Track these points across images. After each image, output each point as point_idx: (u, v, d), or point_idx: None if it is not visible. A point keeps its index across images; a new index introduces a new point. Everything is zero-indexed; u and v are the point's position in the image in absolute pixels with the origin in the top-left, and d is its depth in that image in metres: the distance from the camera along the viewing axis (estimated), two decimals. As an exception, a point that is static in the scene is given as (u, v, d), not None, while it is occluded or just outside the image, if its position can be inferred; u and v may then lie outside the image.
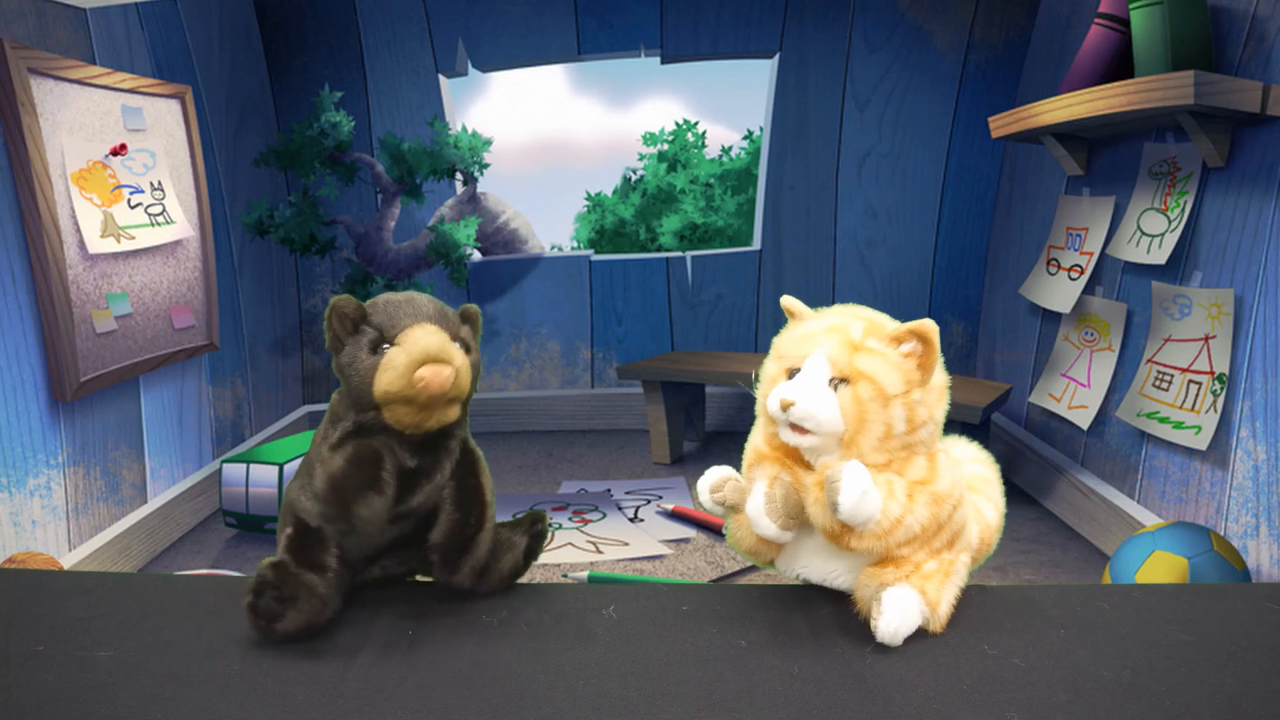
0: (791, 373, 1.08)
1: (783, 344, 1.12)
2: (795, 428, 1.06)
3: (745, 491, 1.12)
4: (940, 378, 1.09)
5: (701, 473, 1.15)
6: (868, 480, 1.01)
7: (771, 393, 1.07)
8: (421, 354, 1.06)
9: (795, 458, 1.10)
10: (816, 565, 1.14)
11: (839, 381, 1.05)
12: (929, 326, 1.05)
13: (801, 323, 1.13)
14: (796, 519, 1.08)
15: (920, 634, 1.05)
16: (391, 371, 1.06)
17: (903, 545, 1.06)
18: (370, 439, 1.10)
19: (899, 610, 1.04)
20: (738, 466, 1.17)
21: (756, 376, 1.15)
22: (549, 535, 1.19)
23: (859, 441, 1.04)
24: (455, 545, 1.15)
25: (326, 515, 1.07)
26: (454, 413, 1.11)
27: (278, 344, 4.25)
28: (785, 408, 1.04)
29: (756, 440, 1.15)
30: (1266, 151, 2.26)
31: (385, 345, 1.09)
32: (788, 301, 1.16)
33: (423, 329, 1.09)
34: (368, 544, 1.16)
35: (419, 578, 1.25)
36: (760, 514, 1.08)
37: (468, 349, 1.15)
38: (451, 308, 1.18)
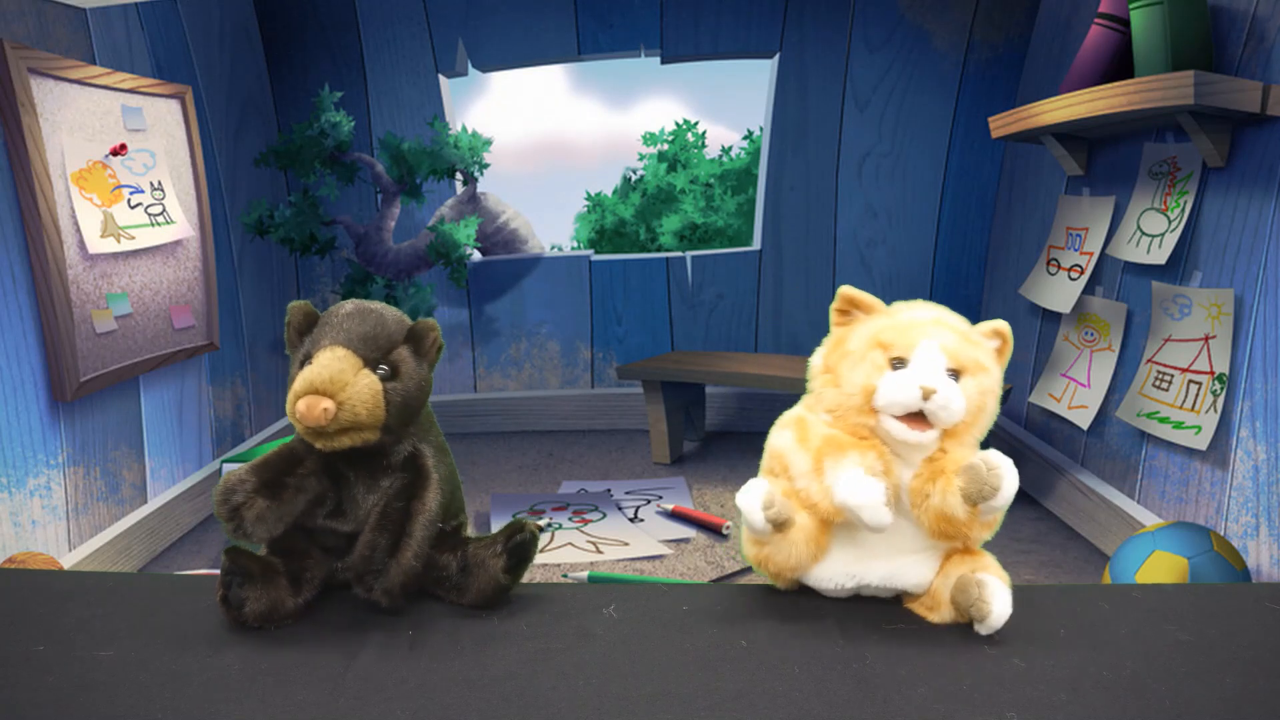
0: (894, 362, 1.05)
1: (884, 331, 1.07)
2: (915, 422, 1.03)
3: (793, 506, 1.08)
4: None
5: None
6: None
7: (902, 380, 1.03)
8: (305, 385, 1.04)
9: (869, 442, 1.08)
10: (876, 568, 1.09)
11: (953, 372, 1.05)
12: (1007, 326, 1.10)
13: (880, 315, 1.11)
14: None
15: (920, 634, 1.05)
16: (290, 395, 1.07)
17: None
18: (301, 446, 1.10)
19: (1005, 598, 1.04)
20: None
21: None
22: (538, 542, 1.18)
23: (971, 433, 1.06)
24: (364, 567, 1.09)
25: (218, 514, 1.07)
26: (345, 441, 1.07)
27: (278, 344, 4.25)
28: (927, 395, 1.01)
29: (823, 429, 1.08)
30: (1266, 151, 2.26)
31: (308, 362, 1.08)
32: (851, 291, 1.12)
33: (329, 354, 1.07)
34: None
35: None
36: (878, 505, 1.00)
37: (395, 373, 1.09)
38: (416, 318, 1.15)
